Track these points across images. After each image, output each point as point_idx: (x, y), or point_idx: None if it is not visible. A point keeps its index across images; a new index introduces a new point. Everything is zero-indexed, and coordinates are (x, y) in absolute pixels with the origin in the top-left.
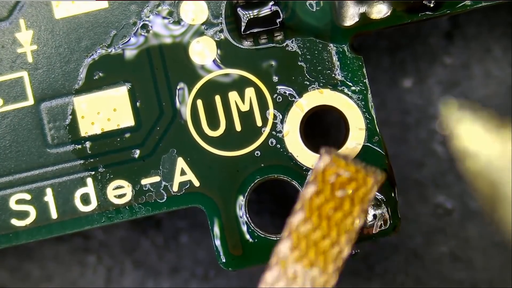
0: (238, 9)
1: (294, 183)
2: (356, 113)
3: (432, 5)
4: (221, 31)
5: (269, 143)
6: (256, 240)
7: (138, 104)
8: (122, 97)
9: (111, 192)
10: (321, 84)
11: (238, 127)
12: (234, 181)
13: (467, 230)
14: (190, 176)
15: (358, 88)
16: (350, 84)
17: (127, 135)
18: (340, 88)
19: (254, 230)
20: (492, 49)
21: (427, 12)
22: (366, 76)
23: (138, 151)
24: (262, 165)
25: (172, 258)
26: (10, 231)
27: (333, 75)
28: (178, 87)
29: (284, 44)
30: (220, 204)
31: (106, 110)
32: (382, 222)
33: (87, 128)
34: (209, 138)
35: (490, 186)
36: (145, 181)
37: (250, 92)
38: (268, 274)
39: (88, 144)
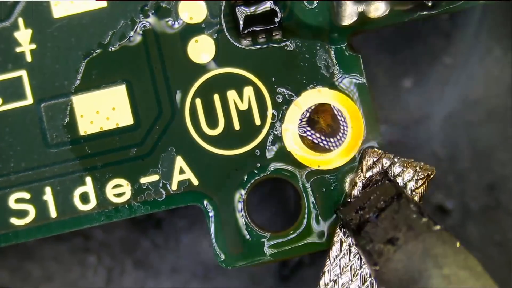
0: (237, 8)
1: (292, 181)
2: (355, 113)
3: (430, 4)
4: (220, 30)
5: (268, 142)
6: (255, 238)
7: (137, 103)
8: (121, 96)
9: (110, 191)
10: (320, 83)
11: (237, 126)
12: (233, 180)
13: (467, 230)
14: (189, 174)
15: (357, 87)
16: (348, 83)
17: (126, 134)
18: (338, 87)
19: (253, 229)
20: (492, 49)
21: (426, 12)
22: (364, 75)
23: (137, 150)
24: (261, 164)
25: (172, 258)
26: (9, 230)
27: (331, 74)
28: (176, 86)
29: (283, 44)
30: (219, 202)
31: (105, 109)
32: None
33: (86, 127)
34: (208, 137)
35: None
36: (144, 180)
37: (248, 91)
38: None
39: (87, 143)
